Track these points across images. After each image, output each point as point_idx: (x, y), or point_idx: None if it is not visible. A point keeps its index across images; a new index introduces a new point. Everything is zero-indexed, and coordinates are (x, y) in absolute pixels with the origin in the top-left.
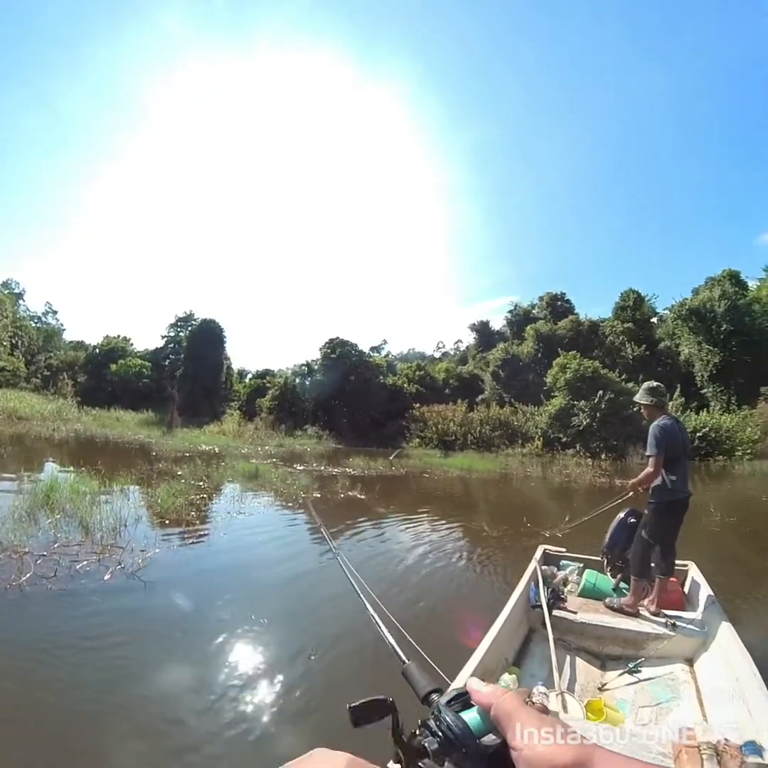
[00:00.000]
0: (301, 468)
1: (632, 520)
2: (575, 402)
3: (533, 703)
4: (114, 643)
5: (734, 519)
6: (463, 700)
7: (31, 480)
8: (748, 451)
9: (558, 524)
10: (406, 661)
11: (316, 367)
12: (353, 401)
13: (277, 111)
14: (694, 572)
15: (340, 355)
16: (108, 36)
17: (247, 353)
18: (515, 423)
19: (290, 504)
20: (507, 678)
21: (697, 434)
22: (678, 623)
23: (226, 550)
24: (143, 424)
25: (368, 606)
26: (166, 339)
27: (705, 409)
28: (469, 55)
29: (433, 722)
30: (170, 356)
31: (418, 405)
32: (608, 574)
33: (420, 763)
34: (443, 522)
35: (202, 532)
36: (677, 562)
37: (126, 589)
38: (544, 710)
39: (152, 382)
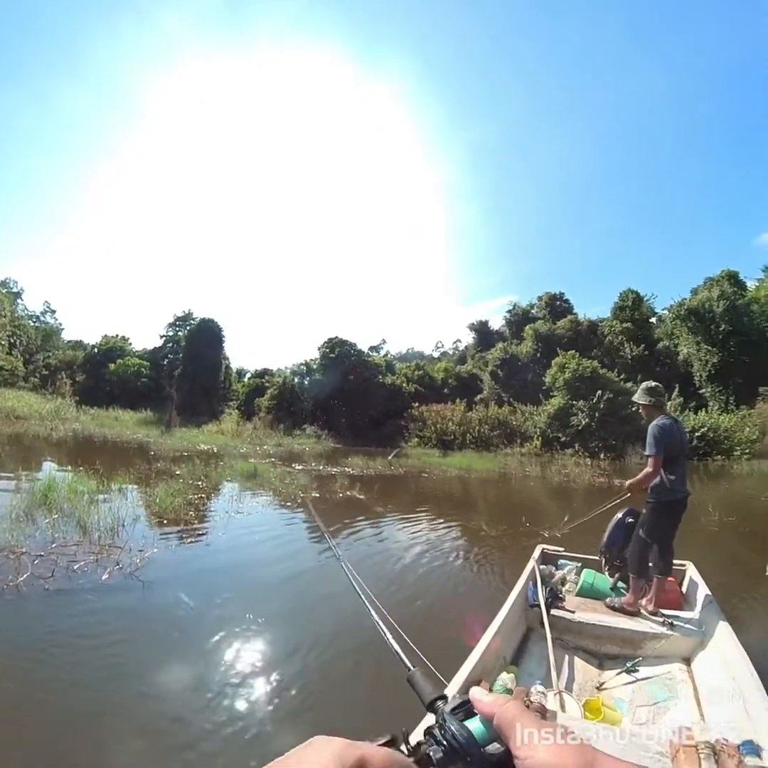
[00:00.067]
0: (300, 467)
1: (630, 520)
2: (574, 402)
3: (531, 702)
4: (111, 642)
5: (733, 519)
6: (467, 708)
7: (29, 479)
8: (747, 450)
9: (557, 524)
10: (411, 667)
11: (314, 367)
12: (352, 401)
13: (276, 109)
14: (691, 572)
15: (339, 354)
16: (106, 33)
17: (246, 353)
18: (514, 423)
19: (289, 503)
20: (505, 677)
21: (696, 434)
22: (676, 623)
23: (224, 549)
24: (141, 423)
25: (372, 612)
26: (164, 338)
27: (703, 408)
28: (469, 55)
29: (437, 731)
30: (169, 356)
31: (416, 404)
32: (606, 573)
33: None
34: (442, 521)
35: (200, 532)
36: (675, 561)
37: (124, 589)
38: (542, 709)
39: (151, 382)
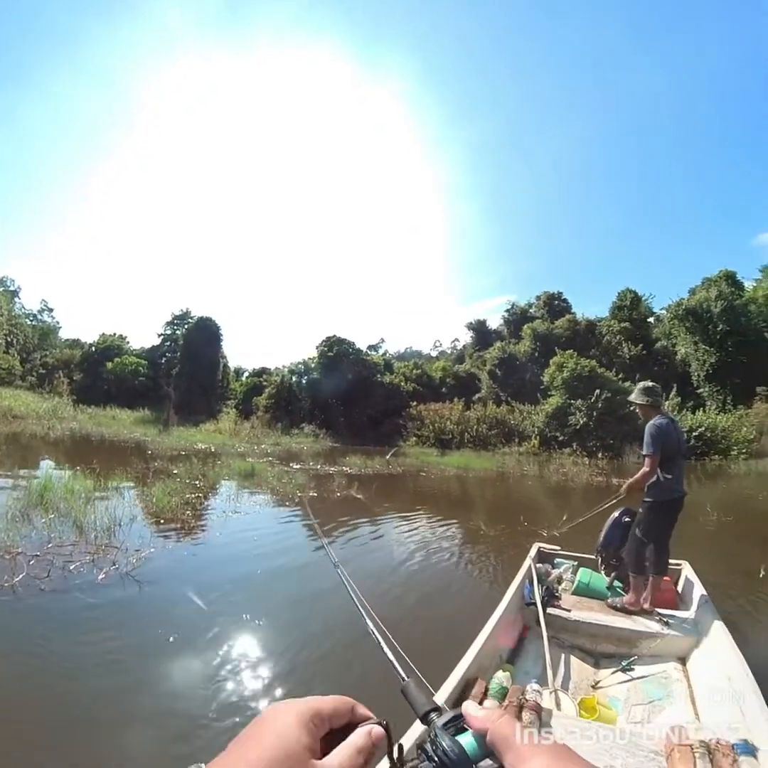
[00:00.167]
0: (298, 467)
1: (626, 519)
2: (572, 401)
3: (527, 700)
4: (108, 642)
5: (730, 518)
6: (460, 722)
7: (26, 478)
8: (744, 450)
9: (555, 523)
10: (405, 678)
11: (313, 366)
12: (350, 400)
13: (275, 108)
14: (687, 571)
15: (337, 353)
16: (105, 27)
17: (244, 351)
18: (512, 422)
19: (286, 503)
20: (501, 675)
21: (693, 434)
22: (671, 622)
23: (221, 549)
24: (139, 422)
25: (368, 622)
26: (162, 337)
27: (701, 408)
28: (469, 54)
29: (429, 746)
30: (166, 354)
31: (415, 403)
32: (602, 572)
33: None
34: (440, 521)
35: (197, 532)
36: (671, 561)
37: (120, 589)
38: (538, 708)
39: (148, 381)
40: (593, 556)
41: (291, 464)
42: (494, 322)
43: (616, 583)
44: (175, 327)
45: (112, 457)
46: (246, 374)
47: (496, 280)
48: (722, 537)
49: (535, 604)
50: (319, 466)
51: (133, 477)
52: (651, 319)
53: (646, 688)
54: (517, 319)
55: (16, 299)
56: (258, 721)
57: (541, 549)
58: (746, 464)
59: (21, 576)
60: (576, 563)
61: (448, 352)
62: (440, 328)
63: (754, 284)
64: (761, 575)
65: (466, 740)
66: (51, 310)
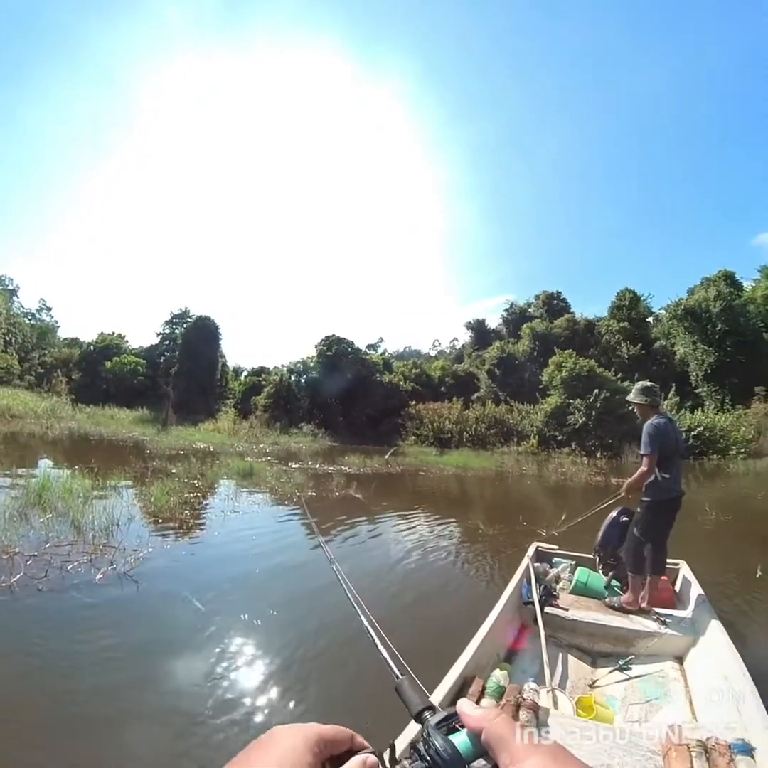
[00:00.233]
0: (297, 466)
1: (624, 519)
2: (571, 400)
3: (524, 699)
4: (105, 641)
5: (729, 518)
6: (454, 721)
7: (24, 478)
8: (742, 450)
9: (554, 523)
10: (399, 676)
11: (311, 365)
12: (349, 399)
13: (275, 108)
14: (685, 571)
15: (336, 352)
16: (104, 26)
17: (243, 350)
18: (510, 421)
19: (285, 502)
20: (498, 674)
21: (692, 433)
22: (668, 621)
23: (219, 549)
24: (138, 421)
25: (363, 619)
26: (161, 336)
27: (700, 408)
28: (469, 54)
29: (421, 745)
30: (165, 353)
31: (413, 403)
32: (600, 572)
33: None
34: (439, 520)
35: (195, 531)
36: (669, 560)
37: (118, 588)
38: (535, 706)
39: (147, 380)
40: (591, 556)
41: (290, 463)
42: (493, 322)
43: (614, 582)
44: (174, 326)
45: (110, 457)
46: (245, 373)
47: (495, 280)
48: (721, 536)
49: (532, 603)
50: (317, 466)
51: (131, 476)
52: (650, 319)
53: (643, 688)
54: (516, 318)
55: (14, 298)
56: (264, 740)
57: (539, 548)
58: (744, 464)
59: (18, 576)
60: (574, 562)
61: (447, 351)
62: (439, 328)
63: (753, 284)
64: (758, 575)
65: (460, 740)
66: (49, 309)
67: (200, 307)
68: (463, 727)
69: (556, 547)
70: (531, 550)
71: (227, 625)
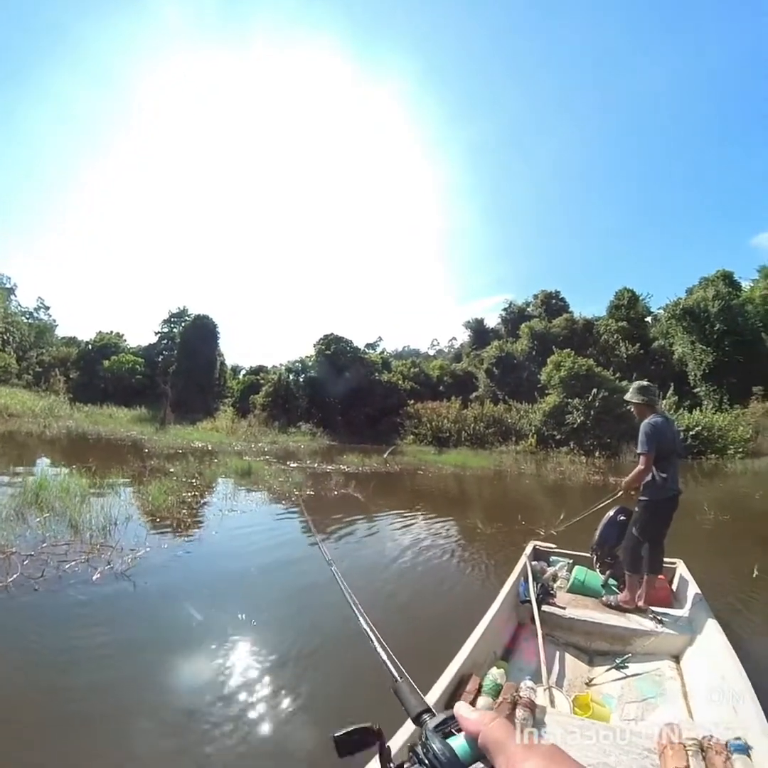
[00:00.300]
0: (295, 465)
1: (622, 518)
2: (569, 400)
3: (520, 697)
4: (101, 640)
5: (727, 517)
6: (452, 724)
7: (21, 477)
8: (740, 449)
9: (552, 522)
10: (398, 678)
11: (310, 364)
12: (348, 398)
13: (274, 107)
14: (682, 570)
15: (334, 351)
16: (102, 25)
17: (241, 349)
18: (509, 420)
19: (283, 501)
20: (495, 672)
21: (690, 433)
22: (665, 620)
23: (217, 548)
24: (136, 420)
25: (362, 622)
26: (159, 335)
27: (698, 407)
28: (469, 54)
29: (420, 749)
30: (163, 352)
31: (412, 402)
32: (597, 570)
33: None
34: (437, 519)
35: (193, 531)
36: (666, 559)
37: (115, 589)
38: (531, 704)
39: (145, 379)
40: (588, 554)
41: (288, 462)
42: (492, 321)
43: (611, 581)
44: (172, 325)
45: (108, 456)
46: (243, 372)
47: (493, 279)
48: (719, 536)
49: (530, 601)
50: (316, 465)
51: (129, 475)
52: (648, 319)
53: (639, 686)
54: (514, 318)
55: (12, 297)
56: None
57: (537, 547)
58: (742, 463)
59: (15, 576)
60: (571, 561)
61: (446, 350)
62: (438, 327)
63: (752, 284)
64: (755, 574)
65: (458, 743)
66: (47, 307)
67: (199, 306)
68: (460, 730)
69: (553, 545)
70: (528, 549)
71: (224, 624)
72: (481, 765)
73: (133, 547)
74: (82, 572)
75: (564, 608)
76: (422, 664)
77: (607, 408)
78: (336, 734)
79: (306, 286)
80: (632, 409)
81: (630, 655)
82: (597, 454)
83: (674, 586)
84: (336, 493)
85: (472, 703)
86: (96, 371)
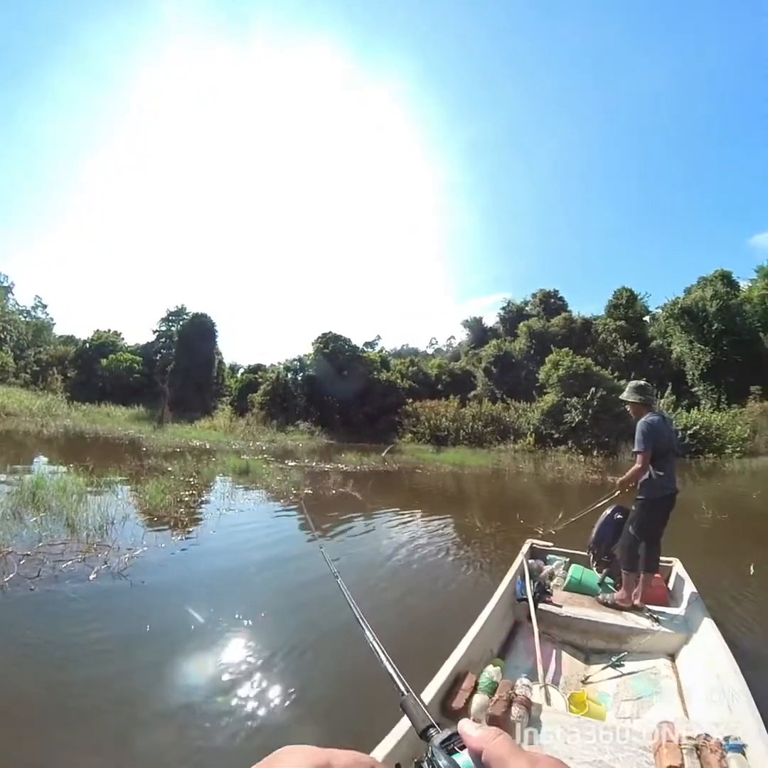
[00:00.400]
0: (293, 464)
1: (618, 517)
2: (567, 399)
3: (516, 694)
4: (98, 640)
5: (725, 516)
6: (456, 740)
7: (17, 476)
8: (738, 448)
9: (550, 520)
10: (405, 692)
11: (308, 362)
12: (346, 396)
13: (274, 106)
14: (678, 568)
15: (333, 350)
16: (99, 24)
17: (239, 348)
18: (507, 419)
19: (281, 500)
20: (491, 669)
21: (688, 432)
22: (661, 618)
23: (214, 547)
24: (134, 419)
25: (368, 635)
26: (157, 333)
27: (696, 407)
28: (469, 54)
29: (426, 765)
30: (161, 351)
31: (411, 400)
32: (594, 569)
33: None
34: (435, 517)
35: (190, 530)
36: (662, 558)
37: (111, 588)
38: (528, 702)
39: (143, 377)
40: (585, 553)
41: (286, 461)
42: (490, 320)
43: (608, 579)
44: (170, 323)
45: (106, 455)
46: (241, 371)
47: (492, 278)
48: (716, 535)
49: (526, 599)
50: (314, 463)
51: (126, 474)
52: (647, 318)
53: (635, 684)
54: (513, 316)
55: (9, 295)
56: (269, 761)
57: (534, 545)
58: (740, 462)
59: (11, 576)
60: (568, 559)
61: (444, 349)
62: (436, 326)
63: (750, 284)
64: (751, 572)
65: (463, 760)
66: (45, 306)
67: (197, 305)
68: (464, 747)
69: (550, 544)
70: (525, 547)
71: (221, 623)
72: None
73: (130, 546)
74: (78, 572)
75: (560, 606)
76: (419, 660)
77: (605, 407)
78: None
79: (305, 285)
80: (629, 409)
81: (626, 653)
82: (595, 453)
83: (670, 585)
84: (334, 491)
85: (468, 700)
86: (94, 370)
